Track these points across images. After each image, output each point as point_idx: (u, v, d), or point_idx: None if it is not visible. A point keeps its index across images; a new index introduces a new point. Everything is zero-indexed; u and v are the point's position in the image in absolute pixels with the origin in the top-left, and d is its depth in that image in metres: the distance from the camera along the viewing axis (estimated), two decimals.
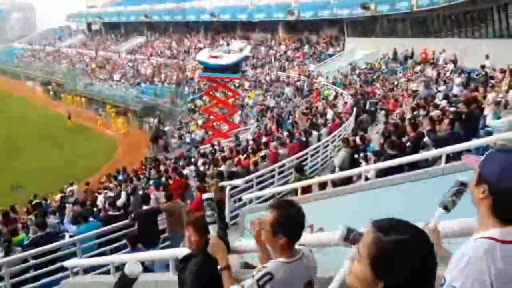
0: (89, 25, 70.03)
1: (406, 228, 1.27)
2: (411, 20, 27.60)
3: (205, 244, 2.79)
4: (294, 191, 8.27)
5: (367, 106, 17.28)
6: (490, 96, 9.86)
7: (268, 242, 2.21)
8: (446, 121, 7.35)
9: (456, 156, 6.29)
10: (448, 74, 18.82)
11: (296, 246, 2.21)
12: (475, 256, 1.44)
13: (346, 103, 19.59)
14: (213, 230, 2.50)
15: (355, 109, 16.71)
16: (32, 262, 6.63)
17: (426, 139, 7.61)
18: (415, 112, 11.37)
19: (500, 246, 1.45)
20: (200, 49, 36.29)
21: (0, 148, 26.34)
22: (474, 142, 6.54)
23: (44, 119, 36.12)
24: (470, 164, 1.66)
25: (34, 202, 14.66)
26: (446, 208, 1.85)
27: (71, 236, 7.63)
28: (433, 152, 6.56)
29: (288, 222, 2.13)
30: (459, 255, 1.48)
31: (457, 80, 15.59)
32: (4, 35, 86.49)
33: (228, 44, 28.71)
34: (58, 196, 15.63)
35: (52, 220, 10.26)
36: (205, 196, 2.54)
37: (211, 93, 27.05)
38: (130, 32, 61.07)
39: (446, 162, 5.90)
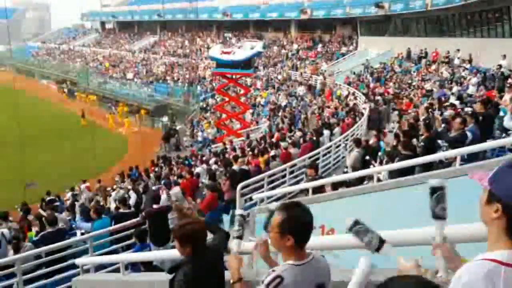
0: (103, 24, 70.82)
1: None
2: (425, 19, 27.25)
3: (195, 252, 2.77)
4: (306, 191, 8.19)
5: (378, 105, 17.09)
6: (508, 96, 9.66)
7: (276, 245, 2.18)
8: (458, 120, 7.21)
9: (472, 157, 6.17)
10: (463, 74, 18.53)
11: (307, 250, 2.19)
12: (474, 279, 1.36)
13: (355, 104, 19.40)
14: (236, 245, 2.54)
15: (367, 109, 16.56)
16: (44, 259, 6.66)
17: (439, 140, 7.49)
18: (429, 112, 11.20)
19: (505, 269, 1.36)
20: None
21: (13, 144, 26.65)
22: (490, 143, 6.41)
23: (57, 117, 36.52)
24: (478, 181, 1.58)
25: (48, 199, 14.82)
26: (440, 218, 1.77)
27: (82, 234, 7.67)
28: (448, 153, 6.44)
29: (295, 223, 2.12)
30: (457, 277, 1.40)
31: (473, 80, 15.36)
32: (20, 34, 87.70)
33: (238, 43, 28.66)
34: (69, 194, 15.77)
35: (63, 216, 10.34)
36: (237, 212, 2.61)
37: (223, 90, 27.09)
38: (143, 31, 61.55)
39: (462, 163, 5.79)
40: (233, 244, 2.52)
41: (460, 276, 1.39)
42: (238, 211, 2.62)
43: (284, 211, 2.16)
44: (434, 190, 1.74)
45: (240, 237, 2.53)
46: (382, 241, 1.80)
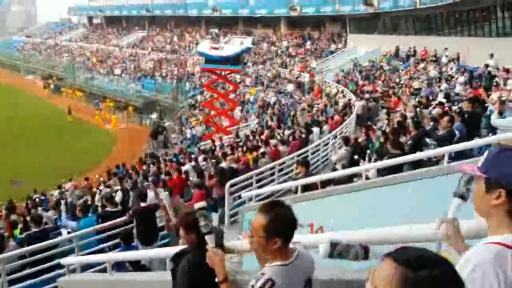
0: (90, 18, 69.95)
1: (434, 261, 1.10)
2: (414, 17, 27.42)
3: (199, 240, 2.76)
4: (294, 189, 8.17)
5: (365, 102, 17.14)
6: (495, 95, 9.76)
7: (262, 248, 2.07)
8: (446, 118, 7.27)
9: (459, 155, 6.21)
10: (450, 72, 18.69)
11: (291, 245, 2.11)
12: (483, 262, 1.35)
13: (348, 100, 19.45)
14: (210, 241, 2.44)
15: (356, 107, 16.61)
16: (29, 259, 6.55)
17: (427, 138, 7.54)
18: (417, 110, 11.26)
19: (511, 252, 1.36)
20: None
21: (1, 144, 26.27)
22: (477, 141, 6.46)
23: (43, 113, 36.00)
24: (469, 172, 1.57)
25: (34, 197, 14.62)
26: (463, 197, 1.76)
27: (69, 233, 7.56)
28: (436, 151, 6.48)
29: (283, 224, 2.04)
30: (465, 260, 1.40)
31: (460, 78, 15.49)
32: (5, 27, 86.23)
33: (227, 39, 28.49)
34: (56, 192, 15.57)
35: (49, 214, 10.19)
36: (196, 206, 2.50)
37: (211, 86, 26.96)
38: (131, 26, 60.95)
39: (449, 160, 5.83)
40: (208, 239, 2.43)
41: (468, 259, 1.38)
42: (196, 205, 2.49)
43: (268, 213, 2.05)
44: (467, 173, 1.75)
45: (210, 232, 2.44)
46: (366, 249, 1.80)
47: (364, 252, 1.83)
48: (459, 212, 1.80)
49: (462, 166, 1.65)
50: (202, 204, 2.52)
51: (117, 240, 7.30)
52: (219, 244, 3.09)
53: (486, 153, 1.55)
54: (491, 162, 1.48)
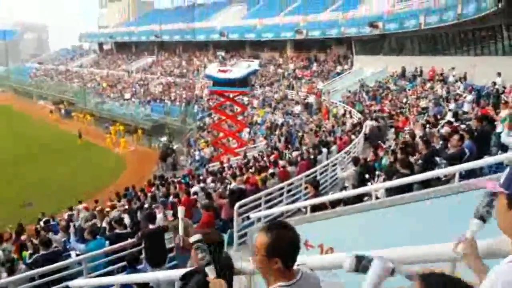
0: (100, 45, 71.40)
1: (456, 286, 1.14)
2: (420, 38, 27.63)
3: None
4: (304, 210, 8.12)
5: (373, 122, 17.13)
6: (504, 113, 9.70)
7: (263, 268, 2.06)
8: (456, 137, 7.21)
9: (470, 173, 6.15)
10: (458, 91, 18.68)
11: (295, 267, 2.10)
12: (509, 281, 1.34)
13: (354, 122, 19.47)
14: (210, 272, 2.45)
15: (364, 127, 16.61)
16: (38, 281, 6.53)
17: (437, 158, 7.48)
18: (426, 130, 11.22)
19: None
20: None
21: (10, 164, 26.56)
22: (488, 160, 6.40)
23: (54, 137, 36.45)
24: (493, 189, 1.57)
25: (43, 220, 14.65)
26: (483, 219, 1.74)
27: (77, 255, 7.54)
28: (446, 170, 6.42)
29: (283, 245, 2.02)
30: (489, 280, 1.38)
31: (468, 97, 15.47)
32: (18, 55, 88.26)
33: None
34: (66, 215, 15.61)
35: (58, 237, 10.19)
36: (192, 239, 2.50)
37: (219, 108, 27.18)
38: (140, 51, 62.07)
39: (460, 179, 5.77)
40: (208, 271, 2.44)
41: (493, 280, 1.37)
42: (192, 238, 2.50)
43: (270, 233, 2.05)
44: (491, 194, 1.73)
45: (209, 263, 2.45)
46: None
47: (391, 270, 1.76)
48: (478, 232, 1.79)
49: (488, 182, 1.63)
50: (197, 237, 2.52)
51: (126, 262, 7.27)
52: (230, 266, 3.07)
53: (507, 170, 1.56)
54: (511, 179, 1.49)
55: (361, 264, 1.74)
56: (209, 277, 2.44)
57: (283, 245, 2.02)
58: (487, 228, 1.78)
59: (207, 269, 2.46)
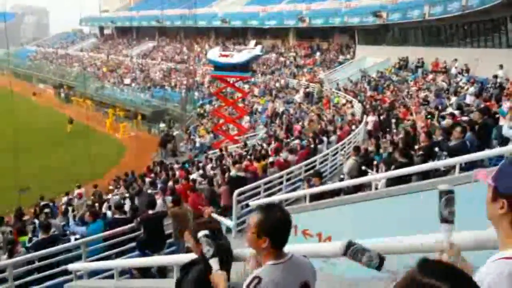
0: (101, 29, 70.88)
1: (451, 275, 1.10)
2: (423, 28, 27.41)
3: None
4: (303, 199, 8.14)
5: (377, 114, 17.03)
6: (505, 106, 9.67)
7: (252, 245, 2.18)
8: (458, 129, 7.20)
9: (470, 165, 6.15)
10: (460, 83, 18.60)
11: (285, 250, 2.18)
12: (497, 279, 1.34)
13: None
14: (213, 264, 2.51)
15: (364, 117, 16.56)
16: (36, 264, 6.56)
17: (437, 149, 7.47)
18: (428, 121, 11.20)
19: None
20: None
21: (8, 149, 26.48)
22: (488, 152, 6.40)
23: (54, 122, 36.34)
24: (483, 179, 1.58)
25: (41, 204, 14.69)
26: (448, 221, 1.73)
27: (76, 239, 7.57)
28: (446, 162, 6.42)
29: (272, 225, 2.11)
30: (478, 278, 1.36)
31: (470, 89, 15.41)
32: (18, 38, 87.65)
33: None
34: (64, 198, 15.65)
35: (56, 221, 10.23)
36: (199, 234, 2.58)
37: (220, 93, 27.12)
38: (141, 36, 61.66)
39: (460, 171, 5.77)
40: (212, 263, 2.50)
41: (481, 279, 1.35)
42: (200, 234, 2.58)
43: (262, 212, 2.15)
44: (443, 193, 1.73)
45: (214, 256, 2.51)
46: (382, 258, 1.76)
47: (379, 262, 1.78)
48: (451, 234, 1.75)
49: (478, 172, 1.63)
50: (205, 232, 2.59)
51: (125, 247, 7.31)
52: (230, 251, 3.08)
53: (501, 163, 1.59)
54: (501, 173, 1.51)
55: (350, 250, 1.76)
56: (213, 269, 2.49)
57: (271, 225, 2.11)
58: (480, 218, 1.77)
59: (211, 261, 2.51)
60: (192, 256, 3.22)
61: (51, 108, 43.43)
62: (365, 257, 1.79)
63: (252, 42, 24.05)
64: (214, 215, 7.54)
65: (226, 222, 8.15)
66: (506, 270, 1.35)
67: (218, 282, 2.43)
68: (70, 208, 11.84)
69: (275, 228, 2.11)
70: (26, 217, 12.52)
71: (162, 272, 6.57)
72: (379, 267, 1.77)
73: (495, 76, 16.26)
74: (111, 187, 16.76)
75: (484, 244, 2.04)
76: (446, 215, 1.72)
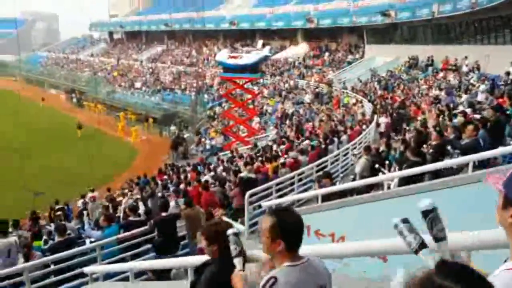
0: (111, 34, 71.52)
1: (467, 277, 1.10)
2: (432, 26, 27.21)
3: (222, 252, 2.78)
4: (315, 199, 8.14)
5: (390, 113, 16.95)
6: None
7: (268, 249, 2.19)
8: (470, 127, 7.15)
9: (483, 163, 6.11)
10: (472, 81, 18.43)
11: (301, 253, 2.19)
12: None
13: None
14: (237, 263, 2.54)
15: (375, 117, 16.50)
16: (52, 267, 6.66)
17: (449, 147, 7.43)
18: (439, 119, 11.12)
19: None
20: None
21: (20, 154, 26.86)
22: (502, 150, 6.34)
23: (66, 126, 36.73)
24: (493, 185, 1.49)
25: (57, 207, 14.84)
26: (442, 239, 1.62)
27: (91, 242, 7.66)
28: (459, 160, 6.38)
29: (285, 228, 2.13)
30: None
31: (481, 87, 15.26)
32: (29, 44, 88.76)
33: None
34: (79, 202, 15.80)
35: (72, 224, 10.35)
36: (229, 231, 2.60)
37: (230, 95, 27.21)
38: (150, 40, 62.09)
39: (473, 169, 5.72)
40: (235, 262, 2.53)
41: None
42: (230, 231, 2.60)
43: (274, 216, 2.18)
44: (425, 214, 1.62)
45: (239, 255, 2.54)
46: (422, 246, 1.68)
47: (419, 246, 1.61)
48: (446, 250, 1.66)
49: (489, 176, 1.54)
50: (234, 230, 2.63)
51: (139, 249, 7.38)
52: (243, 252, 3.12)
53: None
54: (510, 179, 1.42)
55: (400, 226, 1.64)
56: (236, 268, 2.52)
57: (285, 228, 2.13)
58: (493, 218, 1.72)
59: (235, 260, 2.54)
60: (205, 257, 3.26)
61: (61, 112, 43.88)
62: (409, 237, 1.64)
63: (260, 42, 24.15)
64: (225, 219, 7.56)
65: (237, 226, 8.17)
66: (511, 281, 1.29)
67: (237, 282, 2.46)
68: (85, 212, 11.95)
69: (288, 230, 2.14)
70: (41, 221, 12.64)
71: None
72: (416, 252, 1.66)
73: (508, 73, 16.08)
74: (126, 190, 16.89)
75: (496, 243, 2.00)
76: (436, 234, 1.61)
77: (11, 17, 76.05)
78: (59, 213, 12.85)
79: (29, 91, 56.61)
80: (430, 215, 1.60)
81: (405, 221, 1.64)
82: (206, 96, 37.36)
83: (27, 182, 19.57)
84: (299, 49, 36.17)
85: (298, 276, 2.09)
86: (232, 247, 2.55)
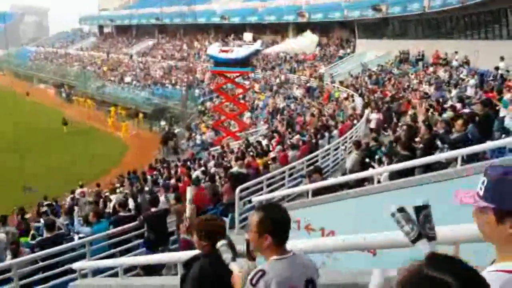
0: (101, 28, 70.74)
1: (458, 268, 1.07)
2: (423, 21, 27.31)
3: (209, 248, 2.77)
4: (306, 194, 8.15)
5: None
6: (507, 97, 9.65)
7: (255, 244, 2.26)
8: (459, 121, 7.19)
9: (472, 158, 6.14)
10: (461, 76, 18.55)
11: (288, 247, 2.25)
12: None
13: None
14: (234, 267, 2.52)
15: (366, 112, 16.53)
16: (41, 263, 6.59)
17: (438, 141, 7.47)
18: (429, 114, 11.18)
19: None
20: None
21: (10, 149, 26.57)
22: (492, 143, 6.39)
23: (55, 122, 36.37)
24: (470, 203, 1.41)
25: (45, 203, 14.71)
26: (433, 238, 1.60)
27: (80, 238, 7.59)
28: (449, 154, 6.41)
29: (272, 223, 2.19)
30: None
31: (471, 81, 15.37)
32: (18, 38, 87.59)
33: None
34: (68, 198, 15.68)
35: (61, 220, 10.26)
36: (218, 244, 2.59)
37: (220, 89, 27.11)
38: (141, 34, 61.54)
39: (462, 163, 5.76)
40: (233, 267, 2.51)
41: None
42: (219, 243, 2.57)
43: (261, 211, 2.26)
44: (418, 210, 1.59)
45: (234, 259, 2.53)
46: (420, 235, 1.63)
47: (416, 236, 1.61)
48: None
49: (457, 194, 1.52)
50: (223, 242, 2.61)
51: (129, 245, 7.34)
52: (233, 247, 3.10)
53: (484, 181, 1.36)
54: (496, 190, 1.33)
55: (397, 215, 1.63)
56: (235, 271, 2.49)
57: (271, 223, 2.19)
58: None
59: (230, 265, 2.53)
60: (194, 252, 3.24)
61: (49, 107, 43.35)
62: (407, 227, 1.63)
63: (248, 35, 24.03)
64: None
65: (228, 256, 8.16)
66: (500, 282, 1.26)
67: (235, 283, 2.46)
68: (76, 208, 11.84)
69: (275, 225, 2.20)
70: (27, 216, 12.53)
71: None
72: (413, 242, 1.62)
73: (497, 68, 16.21)
74: (117, 185, 16.80)
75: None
76: (427, 233, 1.59)
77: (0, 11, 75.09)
78: (45, 209, 12.74)
79: (17, 86, 55.94)
80: (424, 212, 1.60)
81: (401, 210, 1.64)
82: (197, 91, 37.18)
83: (18, 179, 19.41)
84: (307, 41, 33.03)
85: (286, 269, 2.14)
86: (224, 256, 2.54)
